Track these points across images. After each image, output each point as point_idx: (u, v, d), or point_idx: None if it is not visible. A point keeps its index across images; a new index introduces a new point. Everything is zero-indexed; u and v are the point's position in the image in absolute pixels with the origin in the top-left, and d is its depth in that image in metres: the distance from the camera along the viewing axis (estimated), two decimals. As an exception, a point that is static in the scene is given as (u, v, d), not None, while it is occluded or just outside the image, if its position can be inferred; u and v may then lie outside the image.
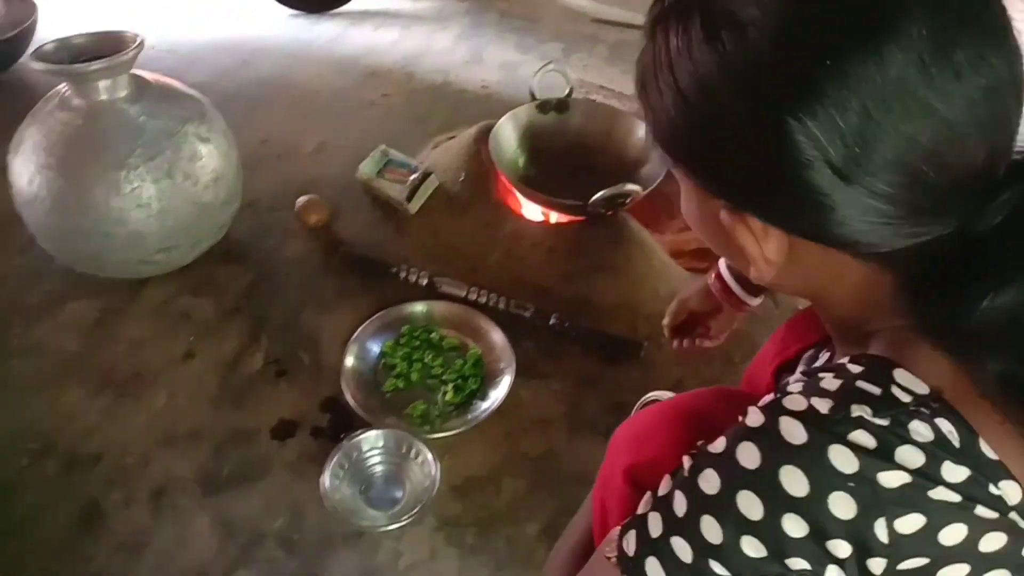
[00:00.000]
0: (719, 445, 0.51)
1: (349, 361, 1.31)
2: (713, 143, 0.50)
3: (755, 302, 1.02)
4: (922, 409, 0.46)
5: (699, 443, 0.55)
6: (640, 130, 1.58)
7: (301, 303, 1.44)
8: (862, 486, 0.44)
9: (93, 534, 1.11)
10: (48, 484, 1.17)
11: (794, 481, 0.46)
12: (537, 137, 1.63)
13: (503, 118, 1.59)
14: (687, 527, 0.50)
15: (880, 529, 0.44)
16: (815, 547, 0.45)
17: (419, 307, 1.41)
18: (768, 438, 0.48)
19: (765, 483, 0.47)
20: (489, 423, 1.24)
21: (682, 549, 0.50)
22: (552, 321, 1.38)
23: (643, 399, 1.19)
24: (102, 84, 1.25)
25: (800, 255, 0.52)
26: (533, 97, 1.62)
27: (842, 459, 0.45)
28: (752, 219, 0.51)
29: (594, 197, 1.41)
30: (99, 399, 1.28)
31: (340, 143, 1.83)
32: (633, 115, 1.65)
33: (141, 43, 1.26)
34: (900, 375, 0.48)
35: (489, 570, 1.09)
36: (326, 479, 1.11)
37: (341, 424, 1.24)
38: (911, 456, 0.45)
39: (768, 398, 0.53)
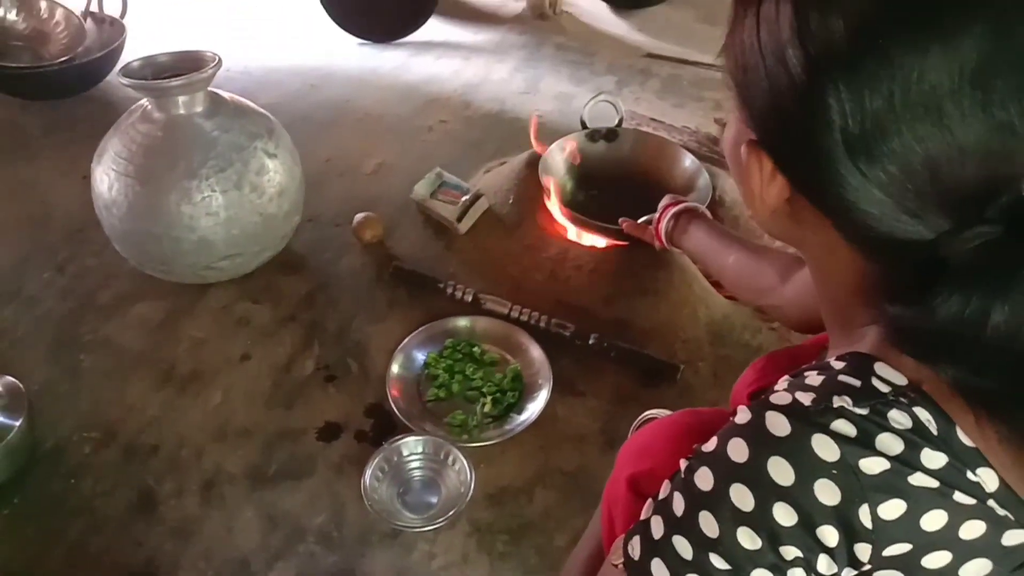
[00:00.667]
0: (711, 444, 0.54)
1: (395, 369, 1.36)
2: (762, 80, 0.52)
3: (658, 246, 1.30)
4: (901, 399, 0.48)
5: (694, 447, 0.58)
6: (687, 159, 1.62)
7: (353, 313, 1.51)
8: (845, 473, 0.47)
9: (147, 519, 1.18)
10: (108, 470, 1.24)
11: (781, 471, 0.48)
12: (586, 165, 1.67)
13: (553, 145, 1.64)
14: (686, 525, 0.53)
15: (864, 515, 0.46)
16: (805, 535, 0.48)
17: (463, 322, 1.46)
18: (755, 432, 0.51)
19: (754, 474, 0.49)
20: (525, 436, 1.28)
21: (683, 547, 0.52)
22: (591, 340, 1.42)
23: (641, 417, 1.23)
24: (181, 99, 1.35)
25: (797, 211, 0.56)
26: (584, 126, 1.68)
27: (825, 448, 0.47)
28: (765, 159, 0.54)
29: (638, 221, 1.45)
30: (160, 394, 1.36)
31: (398, 165, 1.91)
32: (680, 146, 1.69)
33: (219, 62, 1.35)
34: (880, 368, 0.51)
35: (518, 576, 1.12)
36: (367, 479, 1.16)
37: (384, 429, 1.30)
38: (890, 443, 0.47)
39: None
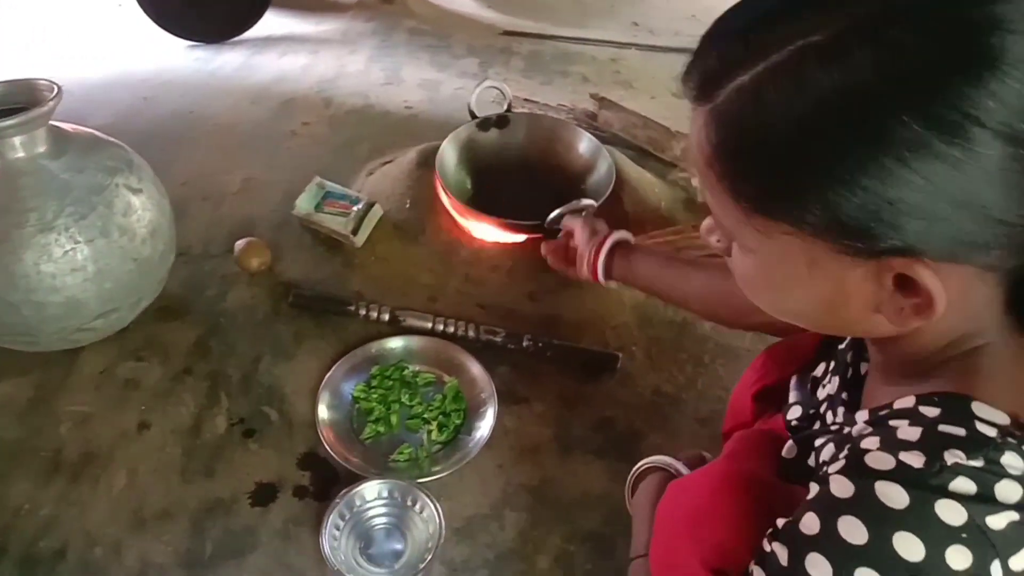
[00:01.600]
0: (812, 525, 0.50)
1: (323, 412, 1.24)
2: (864, 167, 0.44)
3: (611, 284, 1.20)
4: (1008, 439, 0.47)
5: (779, 523, 0.55)
6: (583, 140, 1.58)
7: (256, 355, 1.35)
8: (974, 534, 0.45)
9: (69, 642, 1.01)
10: (5, 592, 1.05)
11: (909, 546, 0.46)
12: (479, 157, 1.59)
13: (445, 141, 1.55)
14: None
15: (996, 571, 0.45)
16: None
17: (386, 344, 1.35)
18: (868, 508, 0.48)
19: (880, 555, 0.46)
20: (479, 457, 1.20)
21: None
22: (525, 343, 1.35)
23: (638, 467, 1.08)
24: (18, 140, 1.13)
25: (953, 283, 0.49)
26: (472, 115, 1.59)
27: (950, 512, 0.45)
28: (925, 261, 0.47)
29: (551, 215, 1.39)
30: (49, 488, 1.16)
31: (267, 179, 1.74)
32: (575, 124, 1.65)
33: (59, 92, 1.15)
34: (978, 408, 0.49)
35: (508, 610, 1.05)
36: (325, 542, 1.04)
37: (324, 480, 1.17)
38: (1010, 491, 0.45)
39: (840, 461, 0.53)
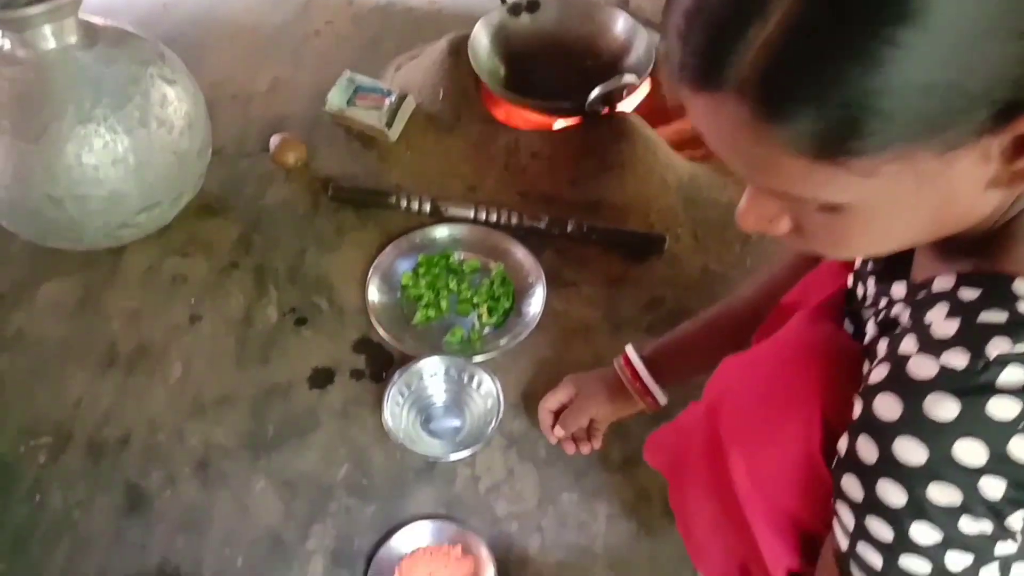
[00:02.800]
0: (869, 453, 0.51)
1: (375, 298, 1.24)
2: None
3: (662, 397, 0.99)
4: None
5: (840, 448, 0.54)
6: (619, 20, 1.52)
7: (300, 248, 1.35)
8: None
9: (143, 520, 1.03)
10: (76, 476, 1.07)
11: (971, 452, 0.46)
12: (512, 43, 1.54)
13: (476, 26, 1.49)
14: (903, 544, 0.50)
15: None
16: (1020, 492, 0.46)
17: (430, 233, 1.33)
18: (920, 425, 0.47)
19: (946, 468, 0.47)
20: (530, 338, 1.20)
21: (918, 565, 0.50)
22: (570, 228, 1.33)
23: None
24: (48, 30, 1.10)
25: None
26: (502, 1, 1.54)
27: (1003, 408, 0.45)
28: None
29: (592, 95, 1.35)
30: (107, 380, 1.18)
31: (295, 78, 1.69)
32: (609, 4, 1.59)
33: (85, -22, 1.11)
34: (1019, 286, 0.47)
35: (570, 479, 1.07)
36: (387, 415, 1.06)
37: (380, 362, 1.18)
38: None
39: (882, 370, 0.51)
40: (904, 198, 0.46)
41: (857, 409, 0.53)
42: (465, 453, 1.04)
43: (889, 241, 0.52)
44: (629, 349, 1.01)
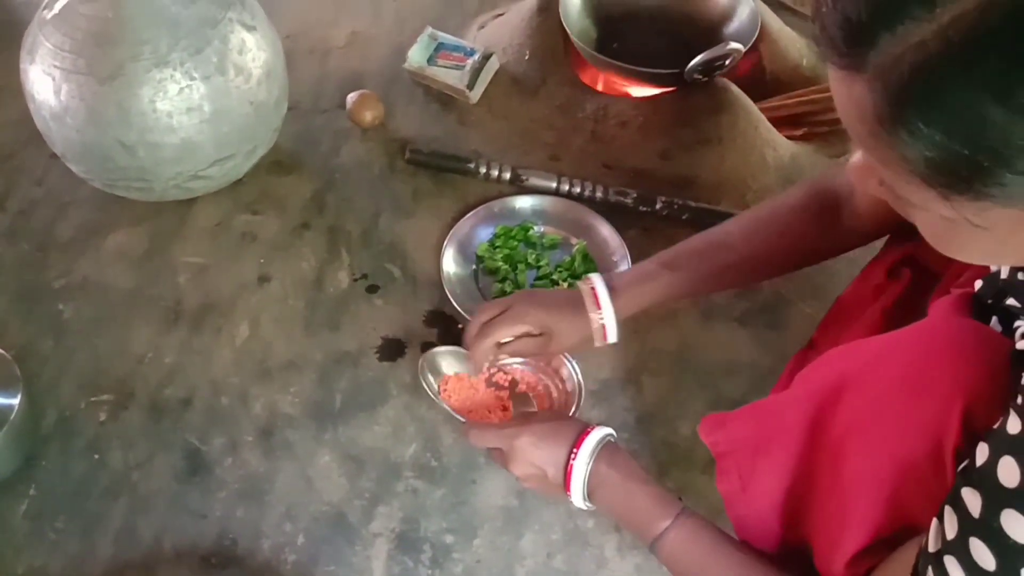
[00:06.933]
0: (1011, 478, 0.46)
1: (450, 268, 1.17)
2: None
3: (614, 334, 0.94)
4: None
5: (977, 458, 0.50)
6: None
7: (375, 211, 1.28)
8: None
9: (203, 486, 0.99)
10: (137, 436, 1.03)
11: None
12: (606, 4, 1.44)
13: (569, -14, 1.40)
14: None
15: None
16: None
17: (509, 203, 1.25)
18: None
19: None
20: (614, 321, 1.12)
21: None
22: (659, 205, 1.24)
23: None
24: (128, -34, 1.05)
25: None
26: (597, -42, 1.44)
27: None
28: None
29: (693, 61, 1.25)
30: (171, 336, 1.13)
31: (374, 33, 1.62)
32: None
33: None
34: None
35: (653, 473, 0.99)
36: (460, 397, 0.99)
37: (453, 337, 1.11)
38: None
39: None
40: (1015, 238, 0.45)
41: (1015, 426, 0.47)
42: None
43: (1000, 260, 0.52)
44: (595, 278, 0.93)
